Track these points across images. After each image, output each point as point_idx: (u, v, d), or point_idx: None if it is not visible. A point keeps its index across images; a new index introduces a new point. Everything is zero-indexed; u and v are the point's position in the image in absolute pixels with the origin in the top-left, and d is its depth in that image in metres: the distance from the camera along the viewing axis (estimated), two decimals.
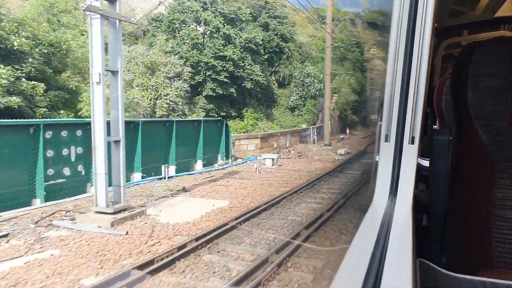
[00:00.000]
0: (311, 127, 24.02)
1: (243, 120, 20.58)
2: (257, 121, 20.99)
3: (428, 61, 1.30)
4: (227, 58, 19.13)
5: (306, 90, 26.28)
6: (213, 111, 19.33)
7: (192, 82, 18.39)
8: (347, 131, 29.66)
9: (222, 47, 19.37)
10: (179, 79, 17.06)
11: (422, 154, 2.23)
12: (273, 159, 15.09)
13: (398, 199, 1.29)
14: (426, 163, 2.05)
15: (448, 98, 2.33)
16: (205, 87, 18.99)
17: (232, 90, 19.81)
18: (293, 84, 26.80)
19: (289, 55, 27.77)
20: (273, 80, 26.08)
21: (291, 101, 26.40)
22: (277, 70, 27.66)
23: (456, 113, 1.65)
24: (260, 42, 22.01)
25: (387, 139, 1.36)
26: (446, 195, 1.68)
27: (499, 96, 1.47)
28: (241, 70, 20.19)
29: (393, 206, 1.25)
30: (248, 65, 20.67)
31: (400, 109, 1.32)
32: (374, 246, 0.96)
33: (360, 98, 32.19)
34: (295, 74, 26.69)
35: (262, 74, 21.81)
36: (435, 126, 2.87)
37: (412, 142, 1.31)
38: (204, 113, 18.47)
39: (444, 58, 4.05)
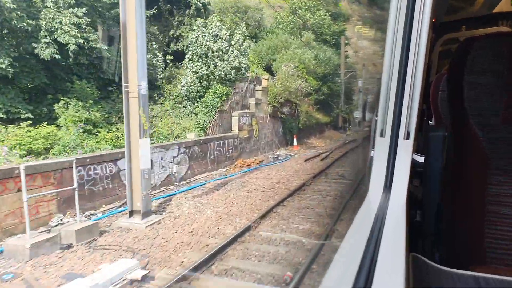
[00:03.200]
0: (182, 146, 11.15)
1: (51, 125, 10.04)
2: (94, 127, 10.88)
3: (425, 56, 1.29)
4: None
5: (212, 66, 14.40)
6: None
7: None
8: (294, 142, 20.16)
9: None
10: None
11: (417, 150, 2.26)
12: None
13: (392, 194, 1.29)
14: (420, 159, 2.06)
15: (444, 95, 2.33)
16: None
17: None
18: (188, 55, 14.78)
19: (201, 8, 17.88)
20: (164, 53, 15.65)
21: (182, 86, 14.30)
22: (176, 33, 17.25)
23: (451, 109, 1.64)
24: None
25: (382, 134, 1.35)
26: (440, 190, 1.67)
27: (495, 93, 1.46)
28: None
29: (387, 201, 1.25)
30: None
31: (396, 104, 1.31)
32: (367, 240, 0.95)
33: (327, 85, 26.52)
34: (190, 37, 14.71)
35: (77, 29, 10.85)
36: (430, 123, 2.88)
37: (408, 138, 1.31)
38: None
39: (442, 54, 4.06)
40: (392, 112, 1.33)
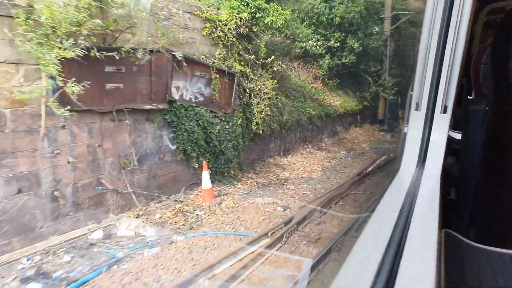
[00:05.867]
0: None
1: None
2: None
3: (467, 27, 1.24)
4: None
5: None
6: None
7: None
8: (205, 180, 6.73)
9: None
10: None
11: (453, 127, 2.12)
12: None
13: (426, 169, 1.27)
14: (457, 136, 2.00)
15: (487, 68, 2.11)
16: None
17: None
18: None
19: None
20: None
21: None
22: None
23: (495, 82, 1.60)
24: None
25: (417, 107, 1.31)
26: (478, 167, 1.60)
27: None
28: None
29: (421, 176, 1.23)
30: None
31: (434, 76, 1.27)
32: (398, 214, 0.97)
33: (356, 39, 14.26)
34: None
35: None
36: (470, 98, 2.61)
37: (445, 112, 1.27)
38: None
39: (486, 24, 3.66)
40: (429, 85, 1.27)
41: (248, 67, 8.43)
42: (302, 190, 7.81)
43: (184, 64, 6.71)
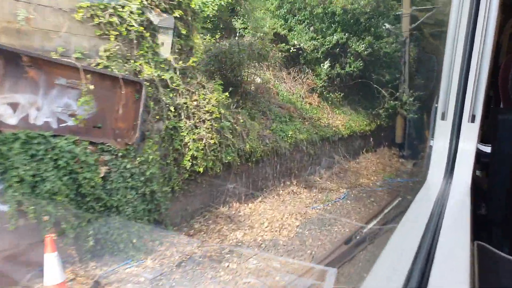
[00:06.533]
0: None
1: None
2: None
3: (493, 37, 1.23)
4: None
5: None
6: None
7: None
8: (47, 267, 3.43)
9: None
10: None
11: (481, 140, 1.91)
12: None
13: (454, 179, 1.26)
14: (486, 149, 1.87)
15: None
16: None
17: None
18: None
19: None
20: None
21: None
22: None
23: None
24: None
25: (443, 117, 1.29)
26: (510, 179, 1.55)
27: None
28: None
29: (449, 187, 1.22)
30: None
31: (460, 84, 1.24)
32: (426, 225, 0.96)
33: (368, 39, 11.33)
34: None
35: None
36: (499, 108, 2.54)
37: (473, 121, 1.25)
38: None
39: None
40: (455, 93, 1.24)
41: (175, 73, 5.51)
42: (247, 273, 4.67)
43: (29, 65, 3.89)
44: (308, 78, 11.15)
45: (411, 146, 13.15)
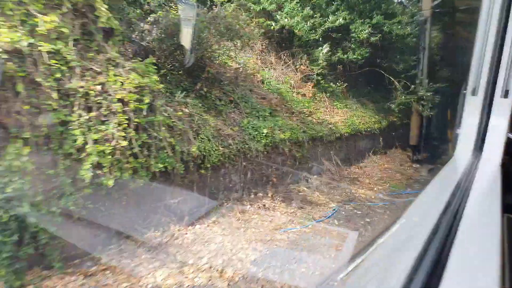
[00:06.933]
0: None
1: None
2: None
3: None
4: None
5: None
6: None
7: None
8: None
9: None
10: None
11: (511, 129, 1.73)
12: None
13: (484, 155, 1.18)
14: None
15: None
16: None
17: None
18: None
19: None
20: None
21: None
22: None
23: None
24: None
25: (474, 92, 1.22)
26: None
27: None
28: None
29: (477, 163, 1.14)
30: None
31: (494, 58, 1.15)
32: (450, 196, 0.91)
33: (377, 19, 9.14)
34: None
35: None
36: None
37: (506, 96, 1.17)
38: None
39: None
40: (488, 68, 1.16)
41: (66, 44, 3.79)
42: None
43: None
44: (302, 64, 9.20)
45: (428, 148, 11.00)
